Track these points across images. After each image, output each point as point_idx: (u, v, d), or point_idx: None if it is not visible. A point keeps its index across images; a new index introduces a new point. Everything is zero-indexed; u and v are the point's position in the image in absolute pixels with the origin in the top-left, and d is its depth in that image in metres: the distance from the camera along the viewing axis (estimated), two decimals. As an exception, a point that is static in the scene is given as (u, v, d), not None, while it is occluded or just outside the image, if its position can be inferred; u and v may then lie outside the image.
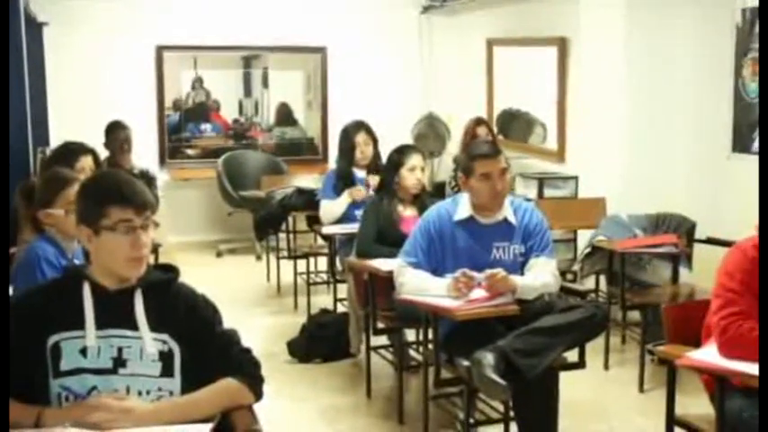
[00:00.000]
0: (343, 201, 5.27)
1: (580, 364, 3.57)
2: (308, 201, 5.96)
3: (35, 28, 6.45)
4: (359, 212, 4.84)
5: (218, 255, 7.87)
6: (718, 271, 2.79)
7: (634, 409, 4.35)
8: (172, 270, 2.32)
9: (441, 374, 3.57)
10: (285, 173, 7.75)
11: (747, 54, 5.22)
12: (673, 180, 5.72)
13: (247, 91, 8.58)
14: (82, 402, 2.07)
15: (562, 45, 6.51)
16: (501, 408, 3.66)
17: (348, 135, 5.43)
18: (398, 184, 4.56)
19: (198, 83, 8.34)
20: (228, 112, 8.49)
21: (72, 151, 4.22)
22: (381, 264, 4.11)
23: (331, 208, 5.27)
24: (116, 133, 6.19)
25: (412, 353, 4.68)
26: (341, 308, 5.48)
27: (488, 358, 3.20)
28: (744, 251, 2.72)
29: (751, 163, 5.02)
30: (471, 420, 3.64)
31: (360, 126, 5.43)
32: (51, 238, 3.03)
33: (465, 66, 8.19)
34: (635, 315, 4.98)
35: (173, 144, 8.27)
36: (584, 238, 5.55)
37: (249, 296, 6.45)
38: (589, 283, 5.36)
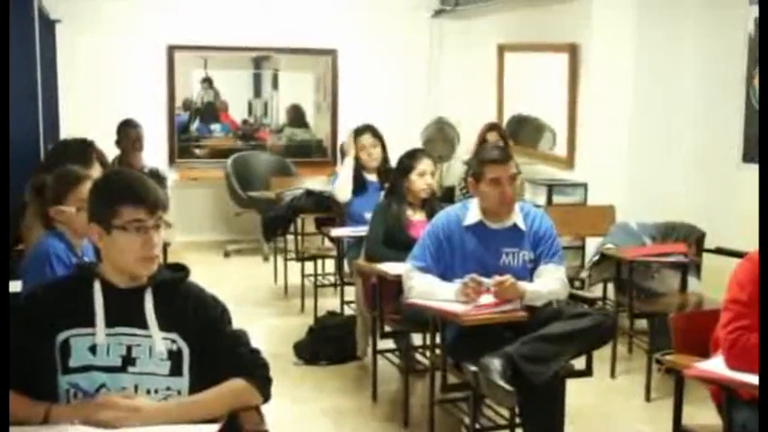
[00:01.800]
0: (345, 172, 5.34)
1: (587, 371, 3.56)
2: (316, 202, 5.97)
3: (48, 25, 6.47)
4: (368, 215, 4.84)
5: (226, 255, 7.89)
6: (729, 282, 2.78)
7: (640, 418, 4.34)
8: (182, 269, 2.32)
9: (447, 379, 3.57)
10: (294, 174, 7.76)
11: (758, 62, 5.20)
12: (682, 189, 5.71)
13: (257, 92, 8.60)
14: (90, 400, 2.08)
15: (573, 51, 6.51)
16: (507, 414, 3.66)
17: (353, 137, 5.45)
18: (408, 189, 4.56)
19: (208, 83, 8.36)
20: (238, 113, 8.52)
21: (86, 146, 4.20)
22: (389, 267, 4.11)
23: (340, 183, 5.34)
24: (128, 132, 6.21)
25: (418, 357, 4.68)
26: (348, 310, 5.48)
27: (495, 364, 3.20)
28: (755, 262, 2.71)
29: (761, 173, 5.01)
30: (477, 426, 3.64)
31: (365, 129, 5.44)
32: (61, 234, 3.03)
33: (475, 70, 8.19)
34: (642, 324, 4.96)
35: (182, 143, 8.30)
36: (592, 245, 5.54)
37: (256, 297, 6.46)
38: (597, 291, 5.36)
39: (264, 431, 2.12)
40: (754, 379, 2.55)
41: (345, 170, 5.37)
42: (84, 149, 4.04)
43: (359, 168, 5.39)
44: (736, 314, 2.68)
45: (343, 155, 5.52)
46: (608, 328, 3.50)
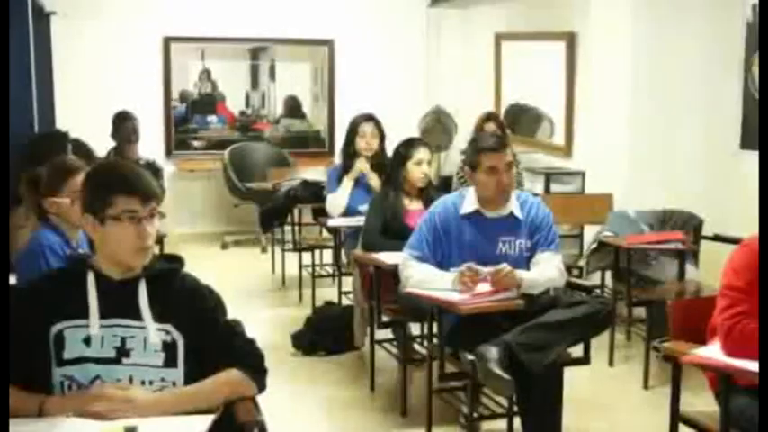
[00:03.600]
0: (345, 186, 5.24)
1: (585, 359, 3.56)
2: (313, 193, 5.97)
3: (42, 17, 6.44)
4: (363, 207, 4.83)
5: (224, 246, 7.89)
6: (725, 269, 2.78)
7: (638, 405, 4.34)
8: (177, 260, 2.32)
9: (445, 368, 3.57)
10: (291, 165, 7.76)
11: (758, 50, 5.19)
12: (680, 176, 5.71)
13: (254, 83, 8.58)
14: (85, 392, 2.08)
15: (571, 40, 6.50)
16: (505, 402, 3.66)
17: (354, 125, 5.40)
18: (405, 178, 4.55)
19: (205, 75, 8.34)
20: (235, 104, 8.51)
21: (60, 138, 4.17)
22: (386, 257, 4.11)
23: (334, 200, 5.26)
24: (124, 124, 6.20)
25: (416, 346, 4.68)
26: (345, 301, 5.48)
27: (493, 353, 3.20)
28: (751, 249, 2.71)
29: (759, 160, 5.01)
30: (475, 414, 3.64)
31: (369, 118, 5.41)
32: (56, 226, 3.03)
33: (473, 60, 8.18)
34: (640, 311, 4.97)
35: (179, 135, 8.28)
36: (590, 233, 5.54)
37: (254, 288, 6.46)
38: (595, 279, 5.36)
39: (260, 422, 2.12)
40: (751, 365, 2.54)
41: (344, 189, 5.23)
42: (57, 141, 4.02)
43: (352, 157, 5.34)
44: (732, 300, 2.68)
45: (347, 168, 5.30)
46: (605, 316, 3.50)
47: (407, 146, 4.61)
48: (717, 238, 4.83)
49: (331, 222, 5.28)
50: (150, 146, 6.94)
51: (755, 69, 5.22)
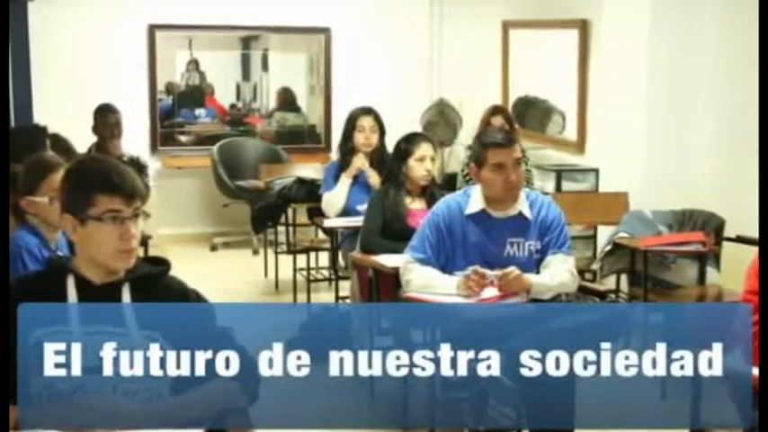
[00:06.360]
0: (342, 184, 5.25)
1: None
2: (308, 192, 5.97)
3: (19, 4, 6.45)
4: (362, 207, 4.84)
5: (213, 248, 7.90)
6: (748, 272, 2.79)
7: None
8: (162, 263, 2.32)
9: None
10: (285, 162, 7.76)
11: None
12: (700, 174, 5.71)
13: (245, 74, 8.58)
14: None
15: (583, 28, 6.51)
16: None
17: (353, 118, 5.41)
18: (406, 175, 4.56)
19: (192, 65, 8.34)
20: (225, 97, 8.50)
21: (38, 132, 4.18)
22: (387, 259, 4.12)
23: (331, 199, 5.27)
24: (105, 117, 6.20)
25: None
26: (343, 306, 5.49)
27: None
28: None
29: (784, 156, 5.00)
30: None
31: (368, 111, 5.42)
32: (33, 227, 3.04)
33: (479, 50, 8.17)
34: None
35: (165, 130, 8.28)
36: (604, 234, 5.54)
37: (245, 293, 6.46)
38: (609, 283, 5.36)
39: (252, 434, 2.13)
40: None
41: (342, 187, 5.26)
42: (35, 136, 4.02)
43: (351, 154, 5.35)
44: (755, 306, 2.68)
45: (344, 165, 5.33)
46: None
47: (409, 141, 4.62)
48: (739, 239, 4.84)
49: (327, 223, 5.29)
50: (134, 141, 6.95)
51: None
